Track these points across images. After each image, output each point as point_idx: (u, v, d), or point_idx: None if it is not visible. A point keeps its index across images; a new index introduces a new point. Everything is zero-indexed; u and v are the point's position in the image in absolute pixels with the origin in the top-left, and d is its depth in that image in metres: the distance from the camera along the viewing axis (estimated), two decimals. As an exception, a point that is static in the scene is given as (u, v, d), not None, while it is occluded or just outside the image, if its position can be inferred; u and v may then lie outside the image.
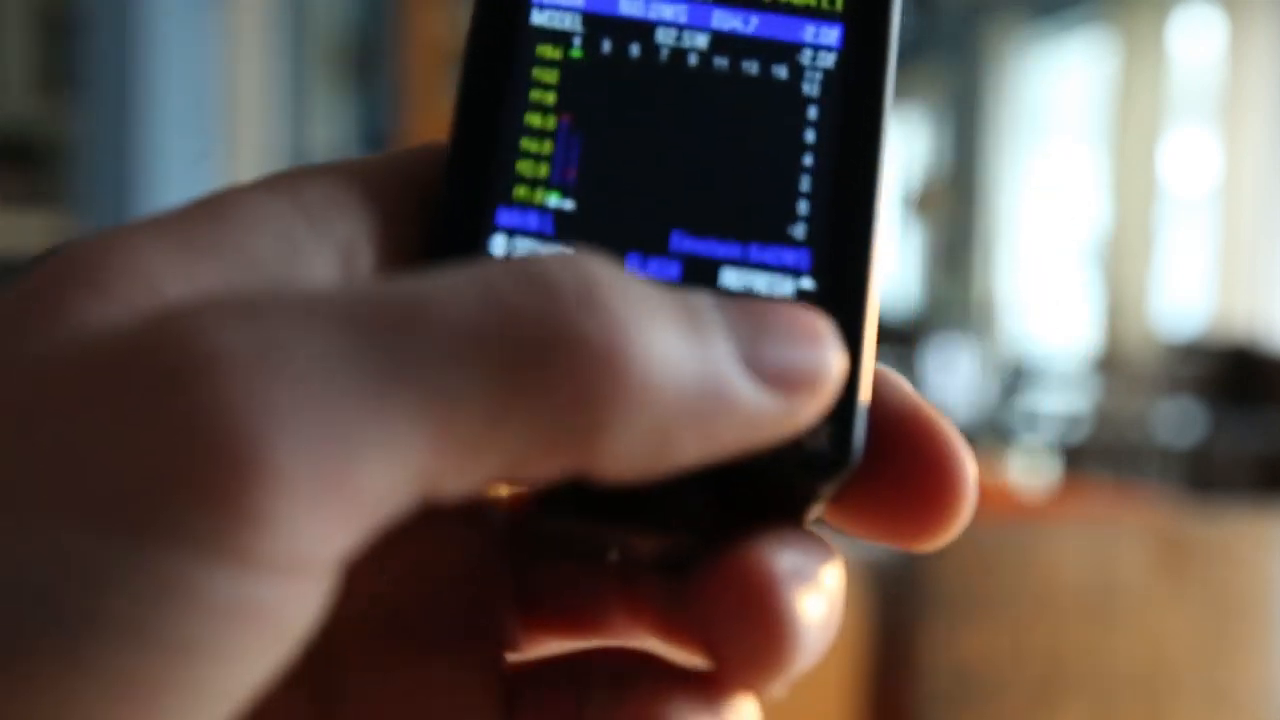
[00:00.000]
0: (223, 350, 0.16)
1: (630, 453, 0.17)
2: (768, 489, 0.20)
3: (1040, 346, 5.46)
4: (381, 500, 0.16)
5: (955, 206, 6.46)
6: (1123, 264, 4.96)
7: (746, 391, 0.17)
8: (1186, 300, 4.74)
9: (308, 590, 0.16)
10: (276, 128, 3.31)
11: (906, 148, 7.52)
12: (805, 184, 0.21)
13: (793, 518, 0.21)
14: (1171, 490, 3.10)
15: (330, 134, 4.54)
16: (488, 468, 0.17)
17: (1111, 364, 4.63)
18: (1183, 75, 4.81)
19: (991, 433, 3.54)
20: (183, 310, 0.16)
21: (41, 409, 0.16)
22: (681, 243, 0.21)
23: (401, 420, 0.16)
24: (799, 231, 0.21)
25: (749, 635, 0.19)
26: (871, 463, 0.20)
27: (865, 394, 0.20)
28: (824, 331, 0.18)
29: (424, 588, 0.21)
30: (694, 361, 0.17)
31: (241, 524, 0.15)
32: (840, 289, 0.20)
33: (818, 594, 0.19)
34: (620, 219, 0.21)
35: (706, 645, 0.20)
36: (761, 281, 0.20)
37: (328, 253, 0.19)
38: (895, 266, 7.50)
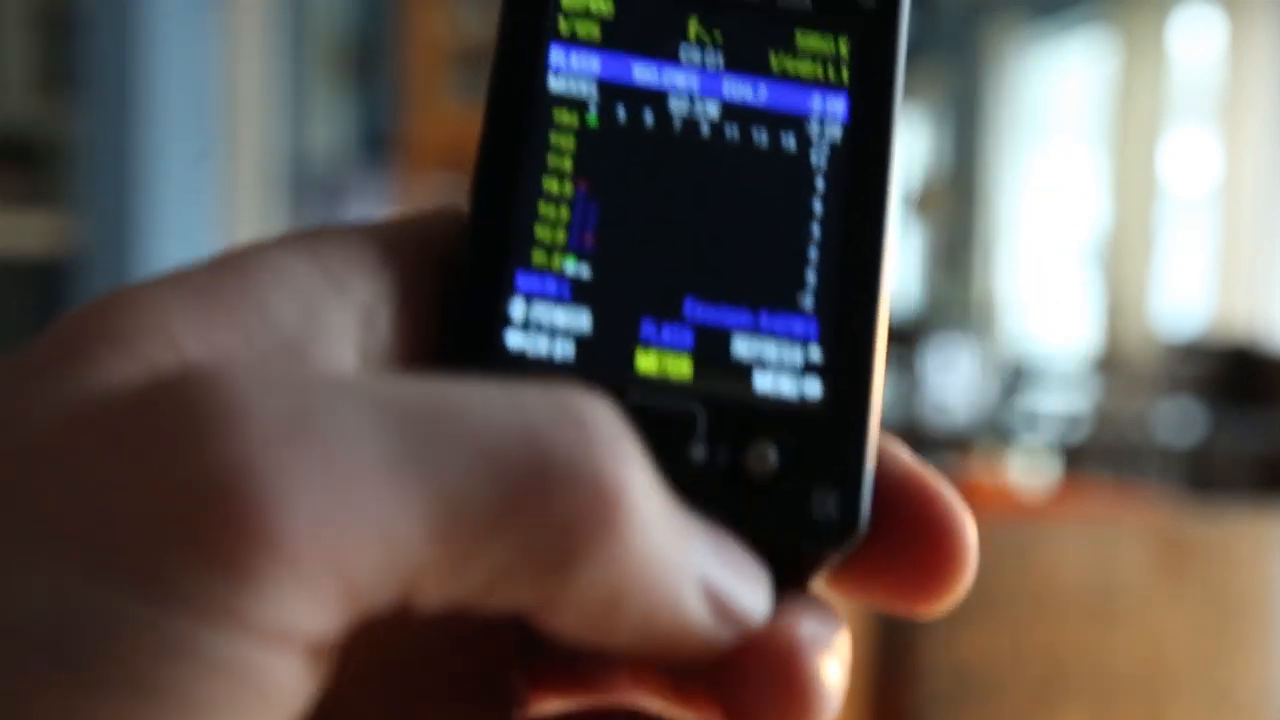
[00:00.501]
0: (250, 410, 0.16)
1: (582, 608, 0.17)
2: (778, 556, 0.20)
3: (1040, 346, 5.46)
4: (369, 589, 0.16)
5: (955, 206, 6.46)
6: (1123, 264, 4.96)
7: (693, 603, 0.18)
8: (1186, 300, 4.74)
9: (296, 663, 0.16)
10: (276, 128, 3.31)
11: (907, 148, 7.52)
12: (813, 254, 0.21)
13: (798, 583, 0.21)
14: (1171, 490, 3.10)
15: (330, 134, 4.54)
16: (468, 583, 0.17)
17: (1111, 364, 4.63)
18: (1183, 75, 4.81)
19: (991, 433, 3.54)
20: (208, 367, 0.17)
21: (57, 456, 0.16)
22: (694, 310, 0.21)
23: (412, 514, 0.16)
24: (807, 301, 0.21)
25: (779, 702, 0.19)
26: (874, 529, 0.21)
27: (871, 463, 0.20)
28: (764, 584, 0.19)
29: (430, 648, 0.22)
30: (672, 553, 0.18)
31: (239, 586, 0.15)
32: (847, 358, 0.21)
33: (836, 660, 0.20)
34: (636, 285, 0.21)
35: (731, 711, 0.20)
36: (771, 351, 0.21)
37: (347, 314, 0.20)
38: (895, 266, 7.49)
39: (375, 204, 3.84)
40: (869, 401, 0.21)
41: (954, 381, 3.61)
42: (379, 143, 4.49)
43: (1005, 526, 1.35)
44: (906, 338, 4.23)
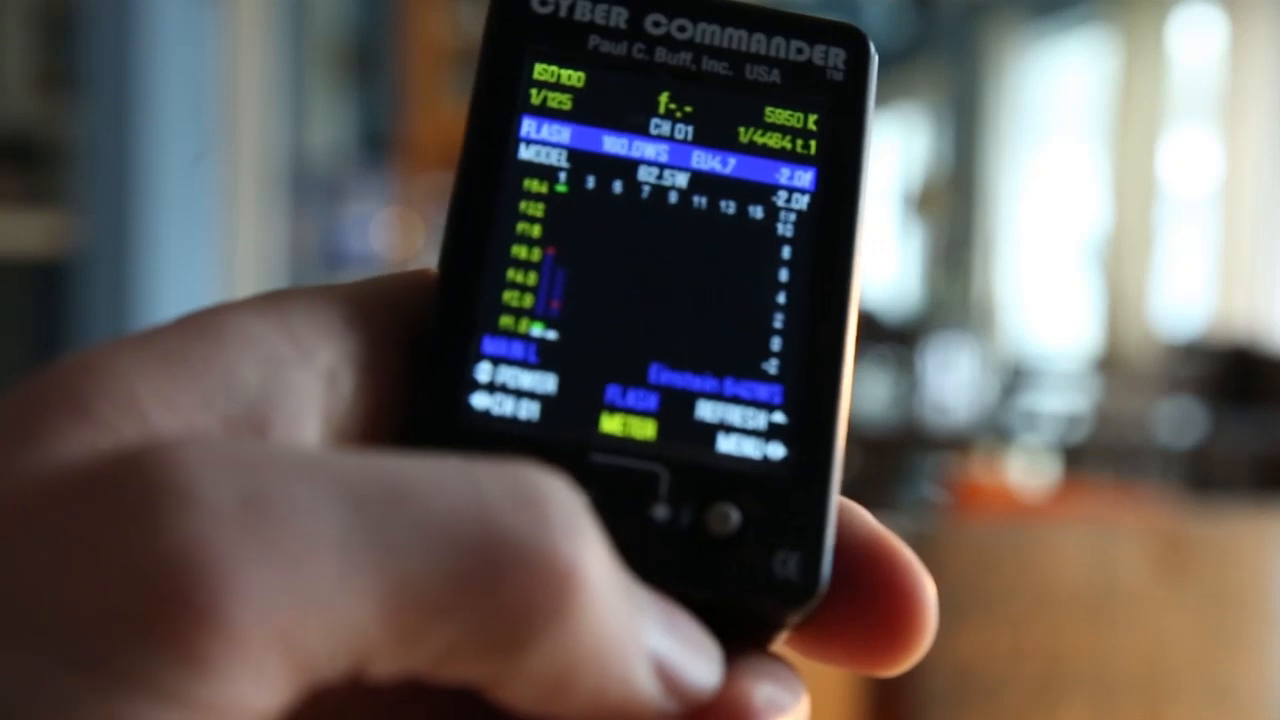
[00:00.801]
0: (202, 491, 0.16)
1: (531, 684, 0.18)
2: (738, 615, 0.20)
3: (1040, 346, 5.46)
4: (319, 665, 0.16)
5: (955, 206, 6.46)
6: (1123, 264, 4.96)
7: (642, 678, 0.19)
8: (1186, 300, 4.74)
9: None
10: (276, 128, 3.31)
11: (906, 148, 7.52)
12: (779, 321, 0.22)
13: (758, 643, 0.21)
14: (1171, 490, 3.10)
15: (330, 134, 4.54)
16: (417, 659, 0.17)
17: (1111, 364, 4.63)
18: (1183, 75, 4.81)
19: (991, 433, 3.54)
20: (165, 443, 0.17)
21: (11, 534, 0.16)
22: (660, 375, 0.22)
23: (360, 593, 0.16)
24: (772, 367, 0.22)
25: None
26: (834, 591, 0.21)
27: (832, 525, 0.21)
28: (715, 656, 0.20)
29: (385, 709, 0.22)
30: (622, 631, 0.18)
31: (187, 670, 0.15)
32: (810, 423, 0.21)
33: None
34: (602, 350, 0.22)
35: None
36: (735, 415, 0.21)
37: (310, 378, 0.20)
38: (895, 266, 7.50)
39: (375, 204, 3.83)
40: (831, 464, 0.21)
41: (954, 381, 3.61)
42: (379, 143, 4.49)
43: (1005, 526, 1.36)
44: (906, 337, 4.23)
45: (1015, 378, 4.36)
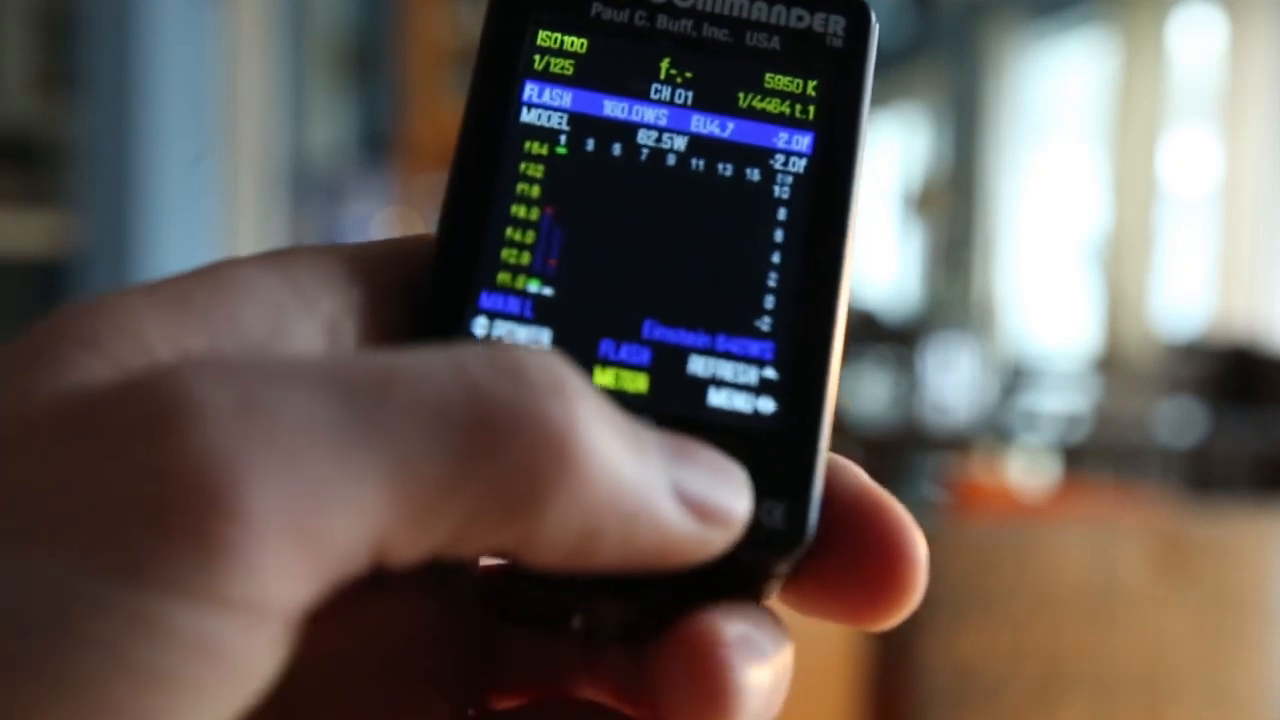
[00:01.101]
0: (206, 400, 0.17)
1: (558, 541, 0.18)
2: (725, 564, 0.20)
3: (1040, 346, 5.46)
4: (341, 556, 0.17)
5: (955, 206, 6.45)
6: (1123, 264, 4.95)
7: (669, 511, 0.19)
8: (1186, 300, 4.74)
9: (267, 635, 0.17)
10: (276, 128, 3.31)
11: (906, 148, 7.52)
12: (773, 280, 0.22)
13: (749, 594, 0.22)
14: (1171, 490, 3.10)
15: (330, 134, 4.54)
16: (436, 536, 0.18)
17: (1111, 364, 4.62)
18: (1183, 75, 4.81)
19: (991, 433, 3.53)
20: (169, 365, 0.18)
21: (32, 449, 0.17)
22: (653, 331, 0.22)
23: (367, 480, 0.17)
24: (765, 324, 0.22)
25: (693, 698, 0.20)
26: (826, 545, 0.21)
27: (820, 477, 0.21)
28: (740, 478, 0.20)
29: (396, 647, 0.22)
30: (633, 473, 0.19)
31: (210, 563, 0.16)
32: (801, 378, 0.22)
33: (764, 664, 0.20)
34: (596, 306, 0.22)
35: (657, 709, 0.20)
36: (727, 370, 0.22)
37: (312, 326, 0.21)
38: (895, 266, 7.50)
39: (375, 204, 3.83)
40: (820, 418, 0.22)
41: (954, 381, 3.61)
42: (379, 143, 4.49)
43: (1005, 526, 1.36)
44: (906, 337, 4.23)
45: (1015, 378, 4.36)
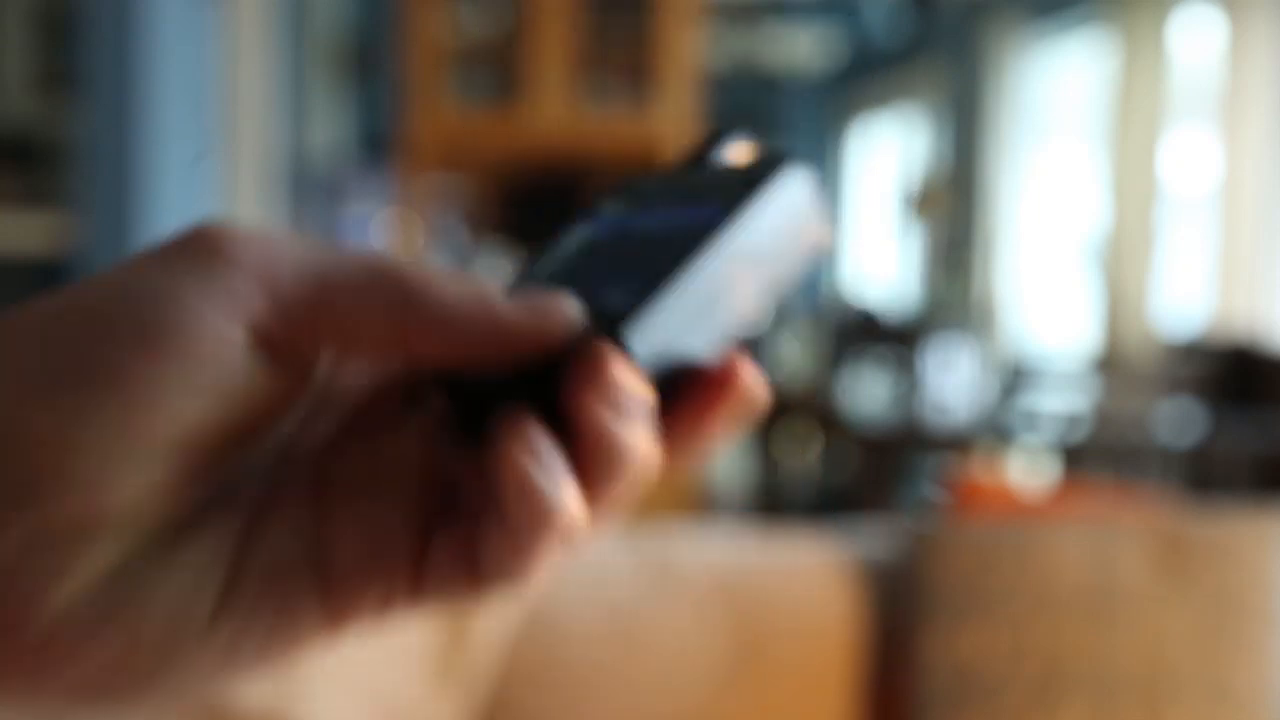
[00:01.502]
0: (234, 226, 0.27)
1: (368, 330, 0.26)
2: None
3: (1040, 346, 5.46)
4: (286, 285, 0.26)
5: (955, 206, 6.46)
6: (1123, 264, 4.96)
7: (503, 306, 0.26)
8: (1186, 300, 4.74)
9: (237, 338, 0.25)
10: (276, 128, 3.32)
11: (906, 148, 7.52)
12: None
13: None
14: (1171, 490, 3.10)
15: (330, 134, 4.54)
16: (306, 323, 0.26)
17: (1111, 364, 4.62)
18: (1183, 75, 4.81)
19: (991, 433, 3.53)
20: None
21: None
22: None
23: (301, 254, 0.27)
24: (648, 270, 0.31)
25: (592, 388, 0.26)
26: (684, 398, 0.28)
27: (667, 311, 0.28)
28: (561, 297, 0.27)
29: (394, 470, 0.28)
30: (468, 288, 0.26)
31: (200, 269, 0.26)
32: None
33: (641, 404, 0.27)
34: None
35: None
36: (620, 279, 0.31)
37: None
38: (895, 266, 7.50)
39: (375, 204, 3.83)
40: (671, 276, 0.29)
41: (954, 381, 3.61)
42: (379, 143, 4.49)
43: (1005, 526, 1.35)
44: (906, 338, 4.23)
45: (1015, 378, 4.36)
